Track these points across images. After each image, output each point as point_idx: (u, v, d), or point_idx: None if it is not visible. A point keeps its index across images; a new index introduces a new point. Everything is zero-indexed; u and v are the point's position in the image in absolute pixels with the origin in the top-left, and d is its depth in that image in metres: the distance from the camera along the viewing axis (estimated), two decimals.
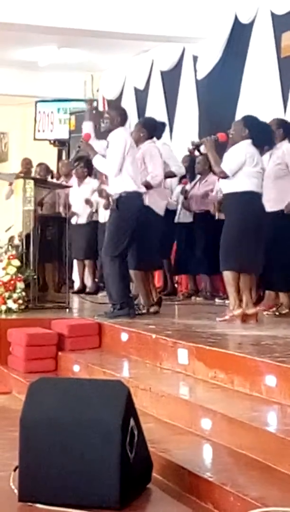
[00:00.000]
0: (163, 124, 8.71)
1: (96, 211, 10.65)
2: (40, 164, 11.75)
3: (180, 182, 10.02)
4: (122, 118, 7.42)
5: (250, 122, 7.01)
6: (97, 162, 7.49)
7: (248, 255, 6.86)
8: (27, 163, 12.21)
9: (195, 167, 9.67)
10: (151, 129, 7.90)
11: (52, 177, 11.60)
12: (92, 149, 7.63)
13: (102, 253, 7.64)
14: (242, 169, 6.79)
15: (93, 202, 10.59)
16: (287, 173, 7.36)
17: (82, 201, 10.84)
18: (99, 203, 10.32)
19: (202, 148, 8.36)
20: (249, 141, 6.87)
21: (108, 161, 7.34)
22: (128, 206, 7.24)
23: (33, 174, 11.63)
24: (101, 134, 7.63)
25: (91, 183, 10.68)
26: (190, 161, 9.85)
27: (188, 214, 9.77)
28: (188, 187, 9.75)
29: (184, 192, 9.71)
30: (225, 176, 6.85)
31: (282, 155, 7.36)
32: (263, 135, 7.00)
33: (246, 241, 6.82)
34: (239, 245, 6.83)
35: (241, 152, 6.85)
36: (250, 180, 6.82)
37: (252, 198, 6.86)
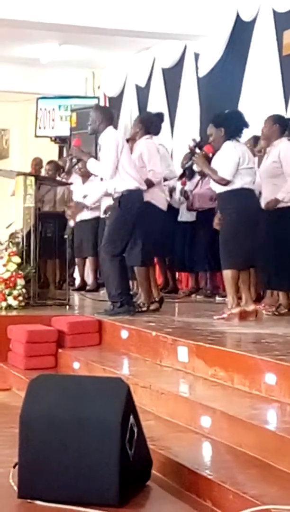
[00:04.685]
0: (159, 115, 8.45)
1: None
2: (50, 162, 11.70)
3: (180, 178, 10.02)
4: (105, 117, 7.35)
5: (219, 119, 7.04)
6: (91, 165, 7.49)
7: (246, 252, 6.87)
8: (36, 164, 12.11)
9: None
10: (148, 125, 7.85)
11: (60, 175, 11.50)
12: (84, 154, 7.64)
13: (101, 251, 7.61)
14: (237, 170, 6.80)
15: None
16: (282, 172, 7.31)
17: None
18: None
19: (195, 167, 8.45)
20: (230, 141, 6.86)
21: (102, 163, 7.33)
22: (130, 204, 7.23)
23: (43, 173, 11.57)
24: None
25: (96, 180, 10.61)
26: (190, 159, 9.82)
27: (191, 213, 9.79)
28: (187, 187, 9.77)
29: (184, 193, 9.73)
30: (227, 182, 6.84)
31: (278, 153, 7.31)
32: (237, 121, 6.98)
33: (242, 239, 6.83)
34: (237, 243, 6.85)
35: (232, 152, 6.85)
36: (242, 178, 6.84)
37: (246, 195, 6.87)
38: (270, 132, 7.35)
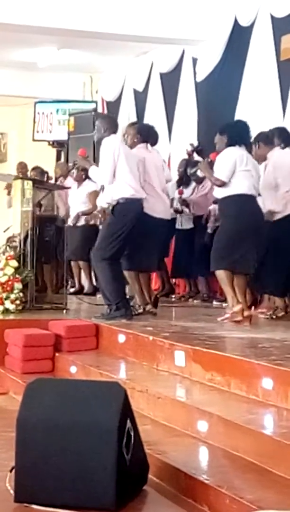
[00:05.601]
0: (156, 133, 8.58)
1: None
2: (35, 168, 11.78)
3: (179, 184, 10.07)
4: (109, 126, 7.48)
5: (225, 128, 7.17)
6: (92, 172, 7.62)
7: (240, 256, 6.90)
8: (22, 167, 12.25)
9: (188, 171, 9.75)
10: (145, 135, 7.93)
11: (47, 179, 11.60)
12: (88, 162, 7.77)
13: (92, 256, 7.66)
14: (234, 172, 6.85)
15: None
16: (277, 183, 7.39)
17: (80, 202, 10.89)
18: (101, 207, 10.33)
19: (199, 172, 8.59)
20: (232, 147, 6.98)
21: (100, 170, 7.42)
22: (125, 212, 7.27)
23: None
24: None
25: (89, 185, 10.68)
26: (185, 165, 9.89)
27: (189, 221, 9.84)
28: (185, 195, 9.82)
29: (182, 202, 9.77)
30: (222, 183, 6.96)
31: (272, 164, 7.40)
32: (241, 130, 7.13)
33: (239, 243, 6.90)
34: (232, 246, 6.93)
35: (229, 155, 6.97)
36: (242, 183, 6.91)
37: (245, 201, 6.93)
38: (258, 152, 7.47)
